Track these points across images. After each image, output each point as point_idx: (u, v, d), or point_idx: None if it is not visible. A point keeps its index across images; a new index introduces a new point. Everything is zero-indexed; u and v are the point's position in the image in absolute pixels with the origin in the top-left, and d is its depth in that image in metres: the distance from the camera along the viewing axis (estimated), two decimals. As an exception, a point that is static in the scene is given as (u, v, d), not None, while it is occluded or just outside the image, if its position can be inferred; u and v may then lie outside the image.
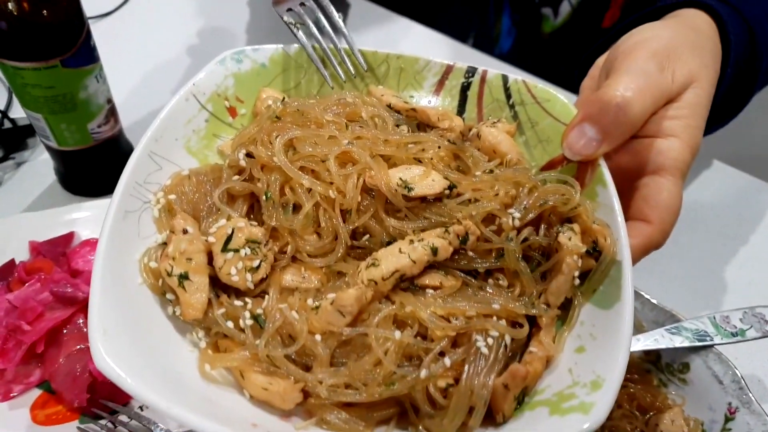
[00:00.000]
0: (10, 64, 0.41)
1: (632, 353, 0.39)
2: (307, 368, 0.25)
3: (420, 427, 0.24)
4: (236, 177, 0.29)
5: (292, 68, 0.36)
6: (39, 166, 0.53)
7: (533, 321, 0.26)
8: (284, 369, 0.25)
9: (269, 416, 0.23)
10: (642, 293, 0.40)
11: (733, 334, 0.38)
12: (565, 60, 0.46)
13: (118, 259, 0.26)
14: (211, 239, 0.27)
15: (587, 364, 0.24)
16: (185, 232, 0.27)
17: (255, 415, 0.23)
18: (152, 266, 0.27)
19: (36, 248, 0.44)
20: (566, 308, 0.27)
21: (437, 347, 0.25)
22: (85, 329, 0.40)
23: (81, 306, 0.40)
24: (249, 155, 0.28)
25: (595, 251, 0.27)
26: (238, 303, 0.26)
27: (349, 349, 0.25)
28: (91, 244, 0.44)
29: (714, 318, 0.39)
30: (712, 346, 0.38)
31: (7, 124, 0.52)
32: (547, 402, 0.24)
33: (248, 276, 0.26)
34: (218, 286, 0.27)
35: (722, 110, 0.43)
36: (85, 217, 0.46)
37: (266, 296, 0.27)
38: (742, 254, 0.46)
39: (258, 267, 0.27)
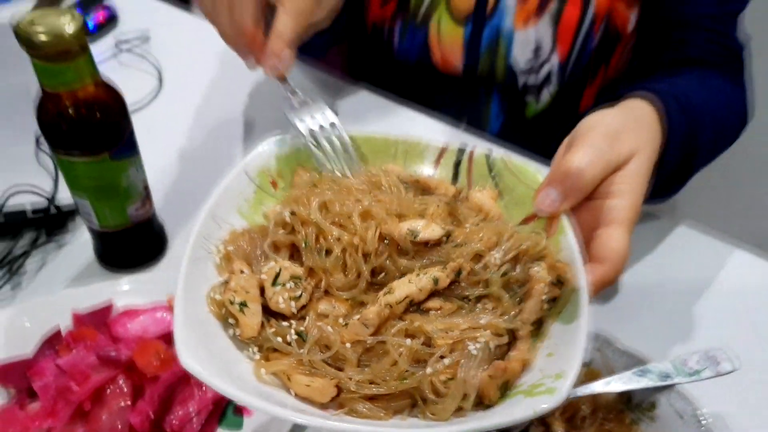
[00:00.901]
0: (66, 158, 0.48)
1: (607, 395, 0.45)
2: (340, 369, 0.33)
3: (426, 413, 0.32)
4: (281, 231, 0.38)
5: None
6: (78, 246, 0.59)
7: (513, 335, 0.34)
8: (322, 370, 0.33)
9: (310, 407, 0.31)
10: (613, 341, 0.46)
11: (691, 374, 0.44)
12: (547, 138, 0.54)
13: (190, 294, 0.34)
14: (263, 276, 0.36)
15: (554, 364, 0.32)
16: (242, 272, 0.36)
17: (300, 406, 0.31)
18: (217, 298, 0.35)
19: (79, 319, 0.50)
20: (539, 327, 0.35)
21: (439, 352, 0.33)
22: (125, 388, 0.45)
23: (123, 367, 0.45)
24: (292, 213, 0.37)
25: (559, 283, 0.35)
26: (284, 324, 0.35)
27: (372, 354, 0.33)
28: (129, 314, 0.50)
29: (675, 361, 0.45)
30: (673, 385, 0.44)
31: (52, 210, 0.59)
32: (523, 391, 0.32)
33: (292, 304, 0.35)
34: (268, 312, 0.36)
35: (670, 182, 0.51)
36: (121, 290, 0.52)
37: (306, 318, 0.35)
38: (701, 306, 0.52)
39: (300, 297, 0.35)
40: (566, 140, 0.42)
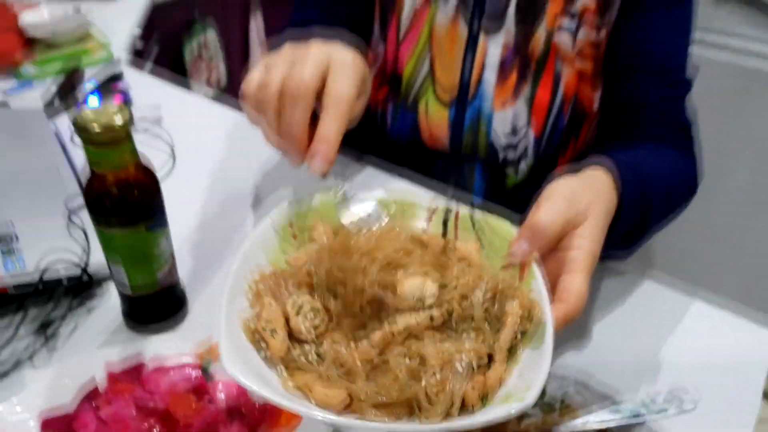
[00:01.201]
0: (107, 231, 0.55)
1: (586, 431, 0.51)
2: (352, 383, 0.40)
3: (421, 417, 0.39)
4: (302, 274, 0.47)
5: (335, 207, 0.55)
6: (106, 310, 0.64)
7: (491, 358, 0.42)
8: (338, 383, 0.40)
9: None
10: (589, 383, 0.53)
11: (658, 412, 0.50)
12: (526, 205, 0.63)
13: (230, 324, 0.43)
14: (288, 309, 0.44)
15: (523, 381, 0.39)
16: (271, 305, 0.44)
17: (320, 411, 0.39)
18: (251, 326, 0.43)
19: (114, 377, 0.55)
20: (513, 352, 0.43)
21: (432, 369, 0.40)
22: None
23: (159, 416, 0.51)
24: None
25: (529, 317, 0.43)
26: (306, 347, 0.43)
27: (377, 371, 0.41)
28: (160, 370, 0.55)
29: (645, 399, 0.51)
30: (644, 422, 0.50)
31: (84, 278, 0.65)
32: (499, 399, 0.39)
33: (312, 331, 0.43)
34: (292, 338, 0.43)
35: (628, 239, 0.60)
36: (150, 347, 0.58)
37: (324, 342, 0.43)
38: (666, 350, 0.59)
39: (318, 325, 0.43)
40: (535, 202, 0.50)
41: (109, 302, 0.66)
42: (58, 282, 0.64)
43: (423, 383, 0.40)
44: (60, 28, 1.20)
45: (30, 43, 1.18)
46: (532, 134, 0.77)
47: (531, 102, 0.75)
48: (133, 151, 0.54)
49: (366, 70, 0.58)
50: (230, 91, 1.87)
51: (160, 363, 0.56)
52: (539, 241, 0.47)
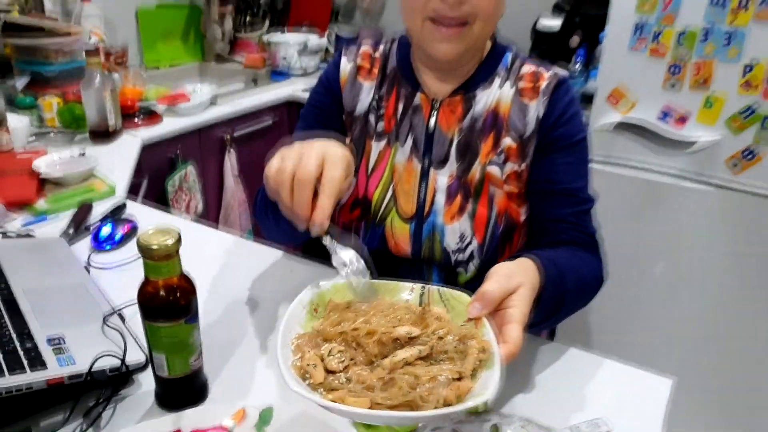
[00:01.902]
0: (154, 324, 0.71)
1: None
2: (372, 393, 0.58)
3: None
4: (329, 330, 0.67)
5: (344, 290, 0.74)
6: (138, 396, 0.78)
7: (461, 376, 0.61)
8: (362, 394, 0.58)
9: None
10: (531, 419, 0.70)
11: (582, 438, 0.68)
12: None
13: (285, 365, 0.60)
14: (322, 352, 0.63)
15: (483, 388, 0.58)
16: (309, 351, 0.63)
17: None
18: (297, 365, 0.61)
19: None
20: (475, 373, 0.61)
21: (423, 382, 0.59)
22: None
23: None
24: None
25: (484, 351, 0.62)
26: (337, 375, 0.61)
27: (388, 385, 0.58)
28: (196, 436, 0.70)
29: (572, 428, 0.69)
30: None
31: (123, 369, 0.80)
32: (468, 398, 0.57)
33: (340, 366, 0.61)
34: (327, 371, 0.61)
35: (548, 315, 0.80)
36: (182, 424, 0.73)
37: (349, 372, 0.61)
38: (587, 390, 0.77)
39: (343, 361, 0.61)
40: (485, 278, 0.71)
41: (140, 389, 0.80)
42: (102, 373, 0.78)
43: (418, 390, 0.57)
44: (68, 170, 1.39)
45: (42, 183, 1.36)
46: (476, 241, 0.97)
47: (473, 217, 0.96)
48: (179, 264, 0.72)
49: (351, 160, 0.73)
50: (206, 217, 2.07)
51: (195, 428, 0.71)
52: (488, 303, 0.65)
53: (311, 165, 0.69)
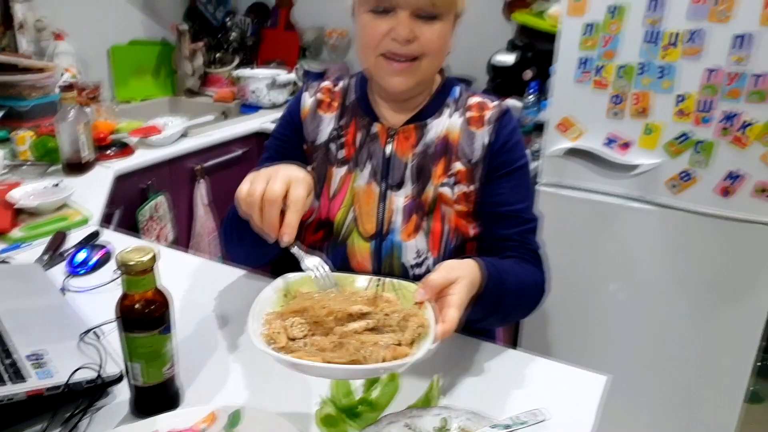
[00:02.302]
0: (132, 335, 0.78)
1: (474, 443, 0.75)
2: (324, 353, 0.71)
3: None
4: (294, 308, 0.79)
5: (311, 282, 0.86)
6: (114, 406, 0.83)
7: (400, 343, 0.73)
8: (317, 355, 0.70)
9: None
10: (478, 412, 0.78)
11: (522, 423, 0.76)
12: None
13: (254, 333, 0.72)
14: (286, 324, 0.76)
15: (418, 352, 0.69)
16: (275, 323, 0.76)
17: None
18: (265, 333, 0.74)
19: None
20: (415, 345, 0.73)
21: (368, 346, 0.71)
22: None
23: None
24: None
25: (423, 326, 0.74)
26: (298, 341, 0.74)
27: (338, 347, 0.72)
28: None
29: (513, 417, 0.77)
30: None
31: (99, 381, 0.85)
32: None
33: (300, 333, 0.75)
34: (289, 339, 0.74)
35: (489, 311, 0.89)
36: (159, 427, 0.78)
37: (307, 339, 0.74)
38: (522, 386, 0.86)
39: (303, 330, 0.74)
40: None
41: (115, 400, 0.85)
42: (79, 384, 0.84)
43: (362, 352, 0.69)
44: (43, 200, 1.44)
45: (17, 213, 1.41)
46: (432, 256, 1.05)
47: (428, 233, 1.04)
48: (154, 279, 0.78)
49: (312, 182, 0.85)
50: (177, 246, 2.12)
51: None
52: (430, 289, 0.77)
53: (278, 186, 0.80)
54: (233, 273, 1.19)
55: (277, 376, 0.85)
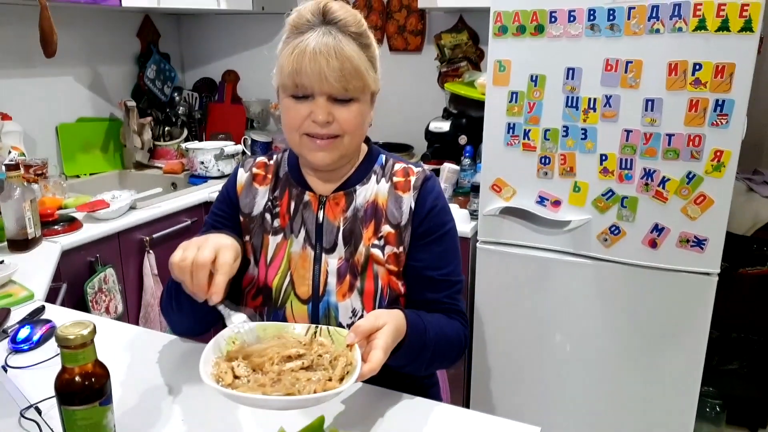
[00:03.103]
0: (71, 409, 0.79)
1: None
2: (264, 388, 0.82)
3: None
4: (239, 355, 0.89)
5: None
6: None
7: (330, 379, 0.84)
8: (257, 389, 0.82)
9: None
10: None
11: None
12: None
13: (205, 373, 0.82)
14: (233, 365, 0.87)
15: (344, 386, 0.79)
16: (222, 365, 0.87)
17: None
18: (214, 373, 0.85)
19: None
20: (343, 380, 0.83)
21: (302, 382, 0.83)
22: None
23: None
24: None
25: (350, 365, 0.84)
26: (242, 379, 0.84)
27: (276, 383, 0.83)
28: None
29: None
30: None
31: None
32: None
33: (245, 372, 0.86)
34: (234, 377, 0.85)
35: (413, 357, 0.98)
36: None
37: (251, 377, 0.85)
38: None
39: (248, 372, 0.87)
40: None
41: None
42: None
43: (297, 386, 0.80)
44: (-14, 278, 1.44)
45: (-42, 294, 1.40)
46: (366, 314, 1.09)
47: (362, 293, 1.09)
48: (93, 352, 0.80)
49: (238, 247, 0.95)
50: (126, 317, 2.10)
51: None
52: (358, 333, 0.84)
53: (207, 252, 0.88)
54: (179, 344, 1.20)
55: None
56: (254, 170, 1.18)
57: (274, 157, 1.20)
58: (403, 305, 1.13)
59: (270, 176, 1.17)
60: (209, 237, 0.91)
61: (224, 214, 1.18)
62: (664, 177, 1.66)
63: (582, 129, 1.72)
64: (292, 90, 1.02)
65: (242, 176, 1.18)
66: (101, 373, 0.81)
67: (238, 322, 0.93)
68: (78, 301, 1.91)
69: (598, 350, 1.86)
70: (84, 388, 0.79)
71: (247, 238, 1.16)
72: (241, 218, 1.16)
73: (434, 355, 1.01)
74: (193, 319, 1.09)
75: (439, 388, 1.32)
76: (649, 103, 1.62)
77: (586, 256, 1.82)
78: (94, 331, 0.79)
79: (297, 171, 1.16)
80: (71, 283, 1.86)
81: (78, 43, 2.65)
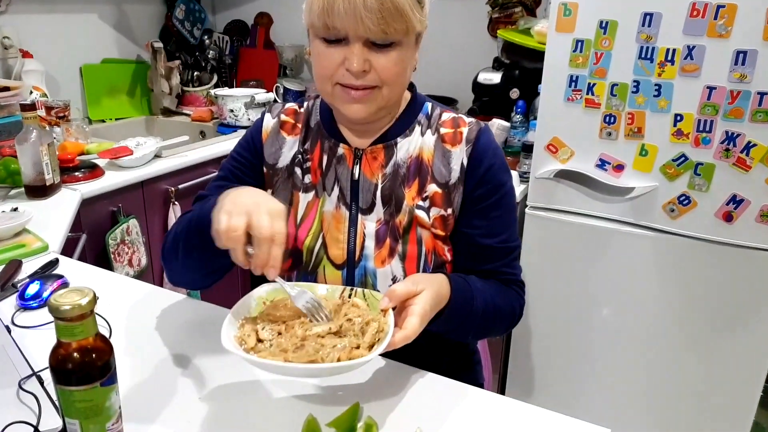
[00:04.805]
0: (67, 389, 0.67)
1: None
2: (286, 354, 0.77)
3: None
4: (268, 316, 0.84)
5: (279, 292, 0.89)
6: None
7: (358, 346, 0.78)
8: (279, 355, 0.76)
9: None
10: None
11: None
12: None
13: (227, 335, 0.77)
14: (258, 327, 0.82)
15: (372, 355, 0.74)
16: (246, 326, 0.83)
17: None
18: (237, 335, 0.80)
19: None
20: (373, 347, 0.77)
21: (326, 348, 0.77)
22: None
23: None
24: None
25: (382, 331, 0.80)
26: (266, 343, 0.80)
27: (299, 348, 0.77)
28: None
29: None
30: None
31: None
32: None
33: (270, 336, 0.80)
34: (259, 340, 0.80)
35: (458, 322, 0.90)
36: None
37: (274, 340, 0.80)
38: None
39: (272, 335, 0.80)
40: None
41: (58, 460, 0.75)
42: (13, 443, 0.73)
43: (320, 353, 0.75)
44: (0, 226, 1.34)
45: (-31, 240, 1.30)
46: None
47: (404, 258, 0.97)
48: (94, 324, 0.68)
49: (286, 211, 0.82)
50: (150, 269, 2.01)
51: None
52: (393, 298, 0.79)
53: (266, 222, 0.77)
54: (201, 308, 1.08)
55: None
56: (282, 117, 1.05)
57: (305, 104, 1.06)
58: (450, 267, 1.01)
59: (300, 125, 1.04)
60: (255, 199, 0.80)
61: (246, 162, 1.05)
62: (749, 142, 1.46)
63: (656, 85, 1.52)
64: (323, 32, 0.87)
65: (269, 123, 1.05)
66: (103, 349, 0.69)
67: (297, 294, 0.85)
68: (99, 252, 1.81)
69: (654, 331, 1.69)
70: (83, 365, 0.67)
71: (269, 191, 1.04)
72: (265, 169, 1.04)
73: (481, 325, 0.94)
74: (199, 273, 0.98)
75: (482, 366, 1.20)
76: (741, 55, 1.41)
77: (649, 227, 1.64)
78: (94, 301, 0.67)
79: (330, 121, 1.02)
80: (92, 234, 1.77)
81: (103, -22, 2.51)
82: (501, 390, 1.97)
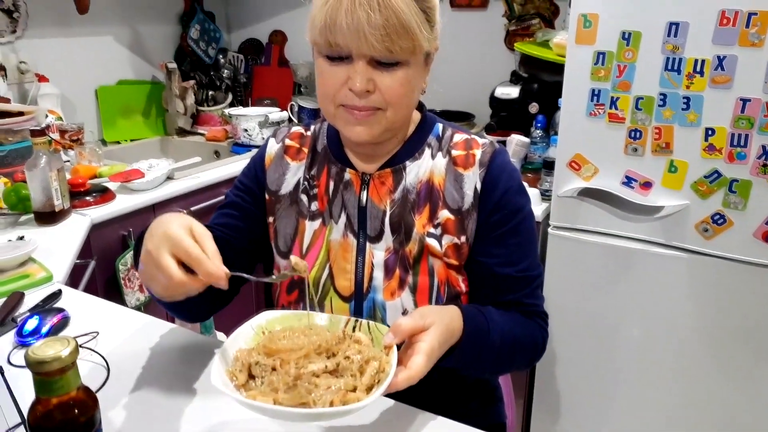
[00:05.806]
0: (48, 450, 0.62)
1: None
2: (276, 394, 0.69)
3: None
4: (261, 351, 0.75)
5: (288, 320, 0.83)
6: None
7: (355, 389, 0.70)
8: (269, 395, 0.69)
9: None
10: None
11: None
12: None
13: (218, 370, 0.72)
14: (251, 360, 0.73)
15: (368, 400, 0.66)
16: (239, 360, 0.74)
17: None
18: (230, 370, 0.73)
19: None
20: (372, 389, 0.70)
21: (320, 390, 0.69)
22: None
23: None
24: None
25: (382, 372, 0.70)
26: (257, 381, 0.72)
27: (291, 388, 0.69)
28: None
29: None
30: None
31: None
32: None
33: (262, 373, 0.72)
34: (251, 376, 0.73)
35: (471, 359, 0.82)
36: None
37: (265, 377, 0.72)
38: None
39: (264, 371, 0.73)
40: None
41: None
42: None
43: (313, 395, 0.68)
44: (4, 257, 1.30)
45: (-28, 273, 1.27)
46: None
47: (415, 290, 0.91)
48: (76, 377, 0.63)
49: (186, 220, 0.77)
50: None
51: None
52: (398, 334, 0.71)
53: (164, 262, 0.72)
54: (204, 341, 1.03)
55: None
56: (287, 141, 1.01)
57: (312, 127, 1.02)
58: (465, 299, 0.95)
59: (306, 150, 0.99)
60: (150, 248, 0.73)
61: (247, 189, 1.01)
62: (788, 157, 1.37)
63: (684, 97, 1.44)
64: (326, 49, 0.82)
65: (272, 148, 1.01)
66: (86, 403, 0.64)
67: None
68: (109, 278, 1.78)
69: (688, 359, 1.60)
70: (64, 424, 0.62)
71: (271, 219, 0.99)
72: (267, 196, 0.99)
73: (499, 360, 0.87)
74: (189, 313, 0.96)
75: (504, 403, 1.12)
76: (776, 65, 1.33)
77: (680, 248, 1.55)
78: (76, 351, 0.61)
79: (337, 144, 0.97)
80: (102, 259, 1.73)
81: (117, 0, 2.50)
82: (526, 417, 1.88)
